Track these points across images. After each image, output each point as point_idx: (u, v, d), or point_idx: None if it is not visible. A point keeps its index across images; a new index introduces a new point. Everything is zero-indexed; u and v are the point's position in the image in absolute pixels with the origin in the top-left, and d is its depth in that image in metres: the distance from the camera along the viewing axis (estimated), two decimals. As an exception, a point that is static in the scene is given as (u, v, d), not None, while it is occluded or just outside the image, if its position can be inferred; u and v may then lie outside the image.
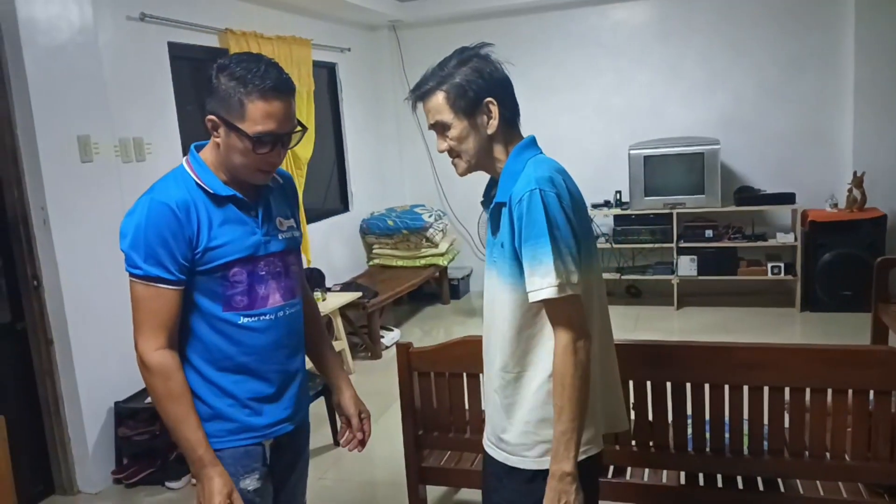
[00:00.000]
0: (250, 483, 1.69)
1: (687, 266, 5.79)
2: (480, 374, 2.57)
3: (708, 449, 2.40)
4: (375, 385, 4.75)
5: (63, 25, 3.28)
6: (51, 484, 3.42)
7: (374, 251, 6.44)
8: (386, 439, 3.86)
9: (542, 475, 1.56)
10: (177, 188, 1.63)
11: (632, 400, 2.46)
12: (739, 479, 2.45)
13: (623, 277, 6.08)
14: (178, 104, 4.20)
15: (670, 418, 2.44)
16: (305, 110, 5.25)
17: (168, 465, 3.48)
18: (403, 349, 2.63)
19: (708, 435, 2.40)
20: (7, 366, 3.28)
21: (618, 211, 5.99)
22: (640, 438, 2.48)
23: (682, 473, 2.52)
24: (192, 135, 4.43)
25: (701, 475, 2.48)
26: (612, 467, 2.57)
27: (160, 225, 1.57)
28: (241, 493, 1.66)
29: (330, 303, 4.81)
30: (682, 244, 5.81)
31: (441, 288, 6.55)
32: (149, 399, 3.53)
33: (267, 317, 1.71)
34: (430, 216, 6.23)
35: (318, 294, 4.76)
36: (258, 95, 1.56)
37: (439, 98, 1.60)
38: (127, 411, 3.53)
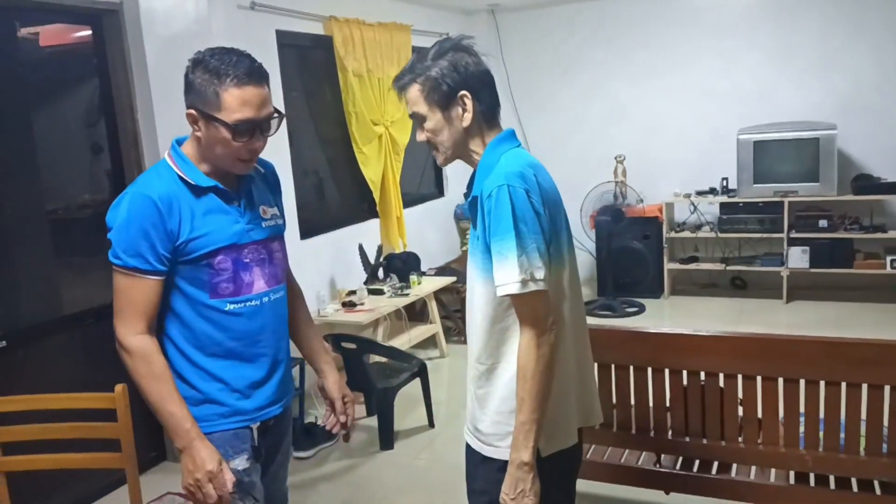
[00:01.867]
0: (240, 463, 1.76)
1: (798, 257, 5.51)
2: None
3: (821, 448, 2.29)
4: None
5: (180, 15, 3.43)
6: (163, 450, 3.61)
7: (468, 236, 6.44)
8: (480, 423, 3.89)
9: (493, 462, 1.61)
10: (159, 181, 1.68)
11: (740, 395, 2.37)
12: (854, 481, 2.32)
13: (728, 268, 5.86)
14: (284, 90, 4.32)
15: (781, 415, 2.34)
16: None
17: (295, 435, 3.58)
18: (502, 334, 2.62)
19: (822, 434, 2.29)
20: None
21: (724, 198, 5.76)
22: (749, 435, 2.39)
23: (792, 473, 2.42)
24: (297, 120, 4.57)
25: (812, 475, 2.37)
26: (716, 463, 2.50)
27: (141, 217, 1.63)
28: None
29: (424, 287, 4.86)
30: (794, 234, 5.53)
31: (535, 274, 6.49)
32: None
33: (252, 303, 1.77)
34: (525, 202, 6.18)
35: (413, 278, 4.82)
36: (232, 84, 1.60)
37: (415, 90, 1.61)
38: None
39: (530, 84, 6.62)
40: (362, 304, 4.46)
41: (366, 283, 4.79)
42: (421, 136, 1.67)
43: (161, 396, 1.65)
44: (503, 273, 1.51)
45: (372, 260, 4.85)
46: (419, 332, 4.81)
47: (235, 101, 1.61)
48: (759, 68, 5.85)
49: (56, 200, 3.36)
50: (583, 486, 2.96)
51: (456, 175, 6.39)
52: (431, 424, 3.86)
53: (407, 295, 4.68)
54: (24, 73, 3.17)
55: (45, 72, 3.31)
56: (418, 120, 1.64)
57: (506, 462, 1.57)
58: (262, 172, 1.91)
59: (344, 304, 4.44)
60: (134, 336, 1.65)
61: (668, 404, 2.50)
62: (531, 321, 1.52)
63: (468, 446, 1.74)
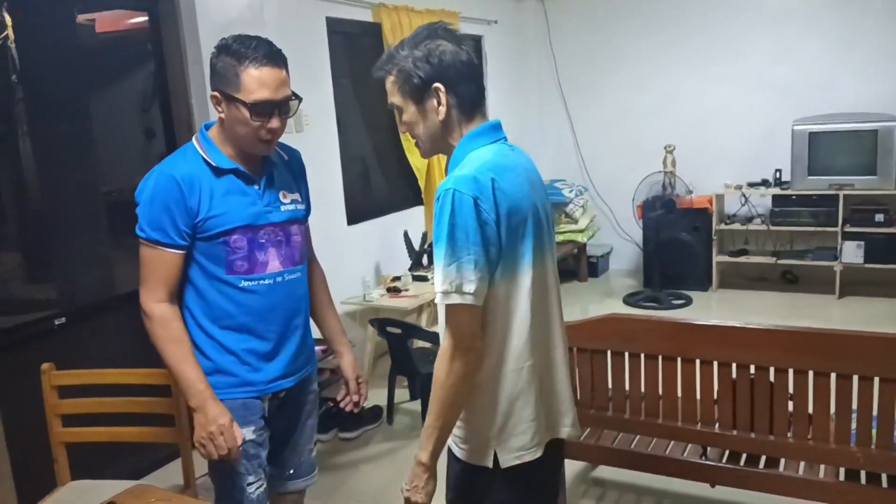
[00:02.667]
0: (247, 433, 1.84)
1: (852, 252, 5.36)
2: (626, 353, 2.54)
3: (873, 445, 2.24)
4: (512, 358, 4.78)
5: (234, 1, 3.48)
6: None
7: (514, 225, 6.42)
8: (522, 411, 3.89)
9: (469, 468, 1.60)
10: (184, 162, 1.80)
11: (790, 390, 2.33)
12: (909, 481, 2.27)
13: (779, 262, 5.73)
14: (334, 77, 4.36)
15: (832, 411, 2.29)
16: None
17: (341, 416, 3.68)
18: (547, 322, 2.62)
19: (874, 431, 2.24)
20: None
21: (776, 191, 5.62)
22: (798, 430, 2.35)
23: (842, 470, 2.37)
24: (346, 108, 4.60)
25: (863, 473, 2.32)
26: (763, 457, 2.46)
27: (164, 194, 1.75)
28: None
29: (470, 274, 4.86)
30: (848, 228, 5.37)
31: (579, 265, 6.45)
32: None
33: (266, 281, 1.87)
34: (570, 191, 6.14)
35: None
36: (251, 66, 1.71)
37: (390, 81, 1.57)
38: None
39: (578, 72, 6.55)
40: (407, 289, 4.49)
41: (410, 269, 4.82)
42: (402, 128, 1.65)
43: (177, 358, 1.77)
44: (435, 281, 1.47)
45: (416, 247, 4.88)
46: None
47: (254, 82, 1.71)
48: (818, 57, 5.68)
49: (111, 183, 3.45)
50: (627, 475, 2.98)
51: (502, 163, 6.37)
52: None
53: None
54: (81, 59, 3.26)
55: (101, 58, 3.40)
56: (397, 111, 1.60)
57: (467, 464, 1.60)
58: (286, 159, 1.99)
59: (389, 290, 4.48)
60: (155, 303, 1.78)
61: (715, 397, 2.47)
62: (451, 333, 1.47)
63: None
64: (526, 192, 1.54)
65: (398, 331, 3.81)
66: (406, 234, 4.82)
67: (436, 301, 1.50)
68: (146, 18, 3.44)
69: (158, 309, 1.78)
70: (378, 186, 5.23)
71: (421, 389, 3.70)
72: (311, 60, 4.18)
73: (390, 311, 4.23)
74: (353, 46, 4.77)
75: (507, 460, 1.56)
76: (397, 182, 5.28)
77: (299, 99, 1.83)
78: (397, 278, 4.65)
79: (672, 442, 2.62)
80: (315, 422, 2.14)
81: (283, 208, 1.91)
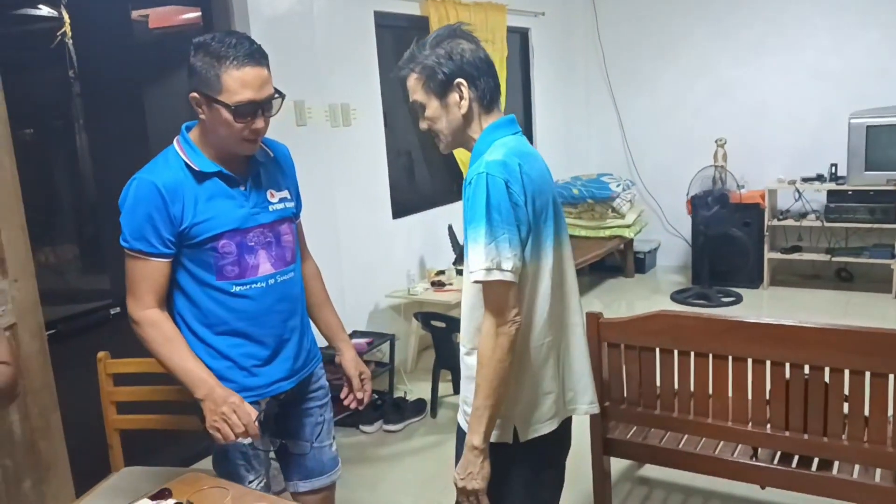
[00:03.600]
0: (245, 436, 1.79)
1: (911, 250, 5.18)
2: (675, 351, 2.50)
3: (935, 452, 2.17)
4: (557, 353, 4.75)
5: (284, -4, 3.53)
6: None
7: (558, 220, 6.37)
8: (567, 408, 3.86)
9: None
10: (166, 168, 1.74)
11: (846, 391, 2.26)
12: (972, 489, 2.18)
13: (833, 259, 5.57)
14: (381, 72, 4.38)
15: (890, 413, 2.22)
16: (497, 76, 5.26)
17: (363, 410, 3.70)
18: (593, 318, 2.59)
19: (936, 436, 2.16)
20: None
21: (832, 186, 5.46)
22: (854, 432, 2.28)
23: (901, 476, 2.29)
24: (393, 102, 4.62)
25: (923, 480, 2.25)
26: (816, 460, 2.39)
27: (146, 203, 1.70)
28: (236, 445, 1.82)
29: (514, 269, 4.84)
30: (907, 225, 5.20)
31: (625, 261, 6.37)
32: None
33: (258, 285, 1.82)
34: (617, 185, 6.06)
35: (503, 260, 4.81)
36: (232, 66, 1.64)
37: (413, 79, 1.65)
38: (328, 357, 3.78)
39: (627, 63, 6.45)
40: (450, 283, 4.50)
41: (454, 263, 4.82)
42: (423, 125, 1.69)
43: (176, 355, 1.73)
44: (472, 260, 1.52)
45: (461, 241, 4.87)
46: (507, 314, 4.80)
47: (235, 83, 1.65)
48: (877, 47, 5.49)
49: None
50: (674, 475, 2.93)
51: (546, 158, 6.30)
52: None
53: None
54: (135, 54, 3.33)
55: (154, 53, 3.47)
56: (418, 108, 1.67)
57: None
58: (272, 156, 1.93)
59: (433, 284, 4.49)
60: (143, 310, 1.74)
61: (767, 397, 2.41)
62: (493, 309, 1.53)
63: (459, 423, 1.79)
64: (546, 178, 1.66)
65: (442, 325, 3.82)
66: (450, 228, 4.82)
67: (473, 280, 1.53)
68: (198, 14, 3.51)
69: (148, 314, 1.75)
70: (423, 180, 5.24)
71: (465, 383, 3.70)
72: (359, 55, 4.20)
73: (434, 305, 4.24)
74: (401, 40, 4.78)
75: (527, 434, 1.64)
76: (442, 176, 5.29)
77: (282, 96, 1.78)
78: (441, 272, 4.66)
79: (721, 442, 2.57)
80: (330, 416, 2.11)
81: (271, 208, 1.86)
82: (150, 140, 3.37)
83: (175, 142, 1.82)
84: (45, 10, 3.06)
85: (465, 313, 1.67)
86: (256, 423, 1.71)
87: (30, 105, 2.80)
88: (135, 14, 3.43)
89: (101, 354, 2.41)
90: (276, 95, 1.76)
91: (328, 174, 3.87)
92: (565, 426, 1.76)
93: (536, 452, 1.66)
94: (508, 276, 1.51)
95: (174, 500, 1.55)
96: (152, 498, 1.56)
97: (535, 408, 1.64)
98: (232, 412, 1.67)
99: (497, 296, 1.52)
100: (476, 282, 1.54)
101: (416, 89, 1.65)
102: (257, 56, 1.70)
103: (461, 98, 1.61)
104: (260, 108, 1.71)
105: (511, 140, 1.63)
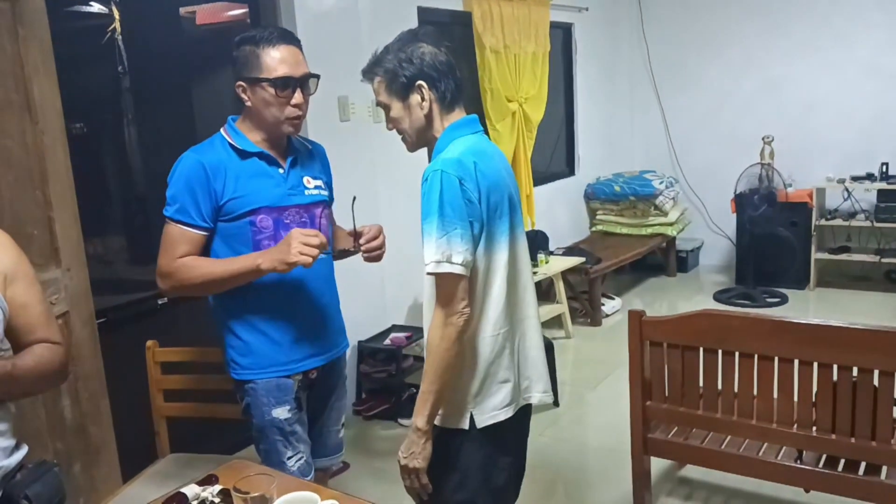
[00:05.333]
0: (281, 412, 1.94)
1: (966, 252, 5.01)
2: (720, 350, 2.46)
3: None
4: (595, 352, 4.73)
5: (329, -8, 3.56)
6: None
7: (598, 217, 6.33)
8: (606, 406, 3.84)
9: (445, 432, 1.72)
10: (211, 148, 1.91)
11: (897, 394, 2.21)
12: None
13: (883, 261, 5.42)
14: (423, 66, 4.38)
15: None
16: (540, 72, 5.24)
17: (401, 404, 3.74)
18: (636, 317, 2.57)
19: None
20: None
21: (882, 185, 5.31)
22: (905, 438, 2.22)
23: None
24: (433, 96, 4.62)
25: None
26: (863, 464, 2.34)
27: (190, 177, 1.85)
28: (273, 421, 1.93)
29: (552, 266, 4.82)
30: (962, 226, 5.03)
31: (667, 259, 6.28)
32: (388, 340, 3.84)
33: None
34: (660, 183, 5.98)
35: (541, 256, 4.80)
36: (268, 46, 1.84)
37: (377, 82, 1.72)
38: (369, 350, 3.84)
39: (672, 59, 6.36)
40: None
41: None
42: (388, 125, 1.78)
43: (219, 267, 1.85)
44: (426, 253, 1.61)
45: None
46: (545, 312, 4.78)
47: (273, 60, 1.84)
48: (933, 43, 5.33)
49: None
50: (715, 476, 2.89)
51: (588, 155, 6.28)
52: (556, 403, 3.85)
53: (534, 273, 4.65)
54: (183, 50, 3.40)
55: (201, 49, 3.53)
56: (384, 109, 1.75)
57: (442, 428, 1.72)
58: (309, 149, 2.07)
59: (472, 280, 4.49)
60: (174, 261, 1.86)
61: (814, 399, 2.36)
62: (442, 301, 1.61)
63: None
64: (502, 176, 1.72)
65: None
66: (491, 224, 4.80)
67: (426, 272, 1.62)
68: (245, 10, 3.55)
69: (179, 261, 1.85)
70: (463, 176, 5.23)
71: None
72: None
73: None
74: (443, 36, 4.74)
75: (483, 420, 1.71)
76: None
77: (317, 77, 1.93)
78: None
79: (766, 444, 2.52)
80: (343, 403, 2.20)
81: (307, 192, 1.98)
82: (198, 134, 3.43)
83: (222, 129, 1.97)
84: (96, 7, 3.13)
85: (425, 305, 1.75)
86: (325, 244, 1.79)
87: (81, 99, 2.87)
88: (182, 11, 3.49)
89: (149, 343, 2.46)
90: (313, 76, 1.92)
91: (370, 169, 3.90)
92: (524, 413, 1.84)
93: (493, 438, 1.73)
94: (458, 269, 1.58)
95: (220, 486, 1.58)
96: (200, 483, 1.59)
97: (491, 395, 1.71)
98: (297, 240, 1.74)
99: (447, 288, 1.61)
100: (429, 274, 1.62)
101: (380, 91, 1.73)
102: (290, 37, 1.89)
103: (422, 99, 1.69)
104: (297, 83, 1.87)
105: (470, 139, 1.71)
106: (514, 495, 1.90)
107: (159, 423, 2.48)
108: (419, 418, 1.66)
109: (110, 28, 3.12)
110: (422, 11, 4.33)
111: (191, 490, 1.56)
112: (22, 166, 2.09)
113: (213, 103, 3.54)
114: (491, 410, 1.71)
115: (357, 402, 3.87)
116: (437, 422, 1.72)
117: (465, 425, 1.71)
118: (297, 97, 1.87)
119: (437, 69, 1.69)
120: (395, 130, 1.78)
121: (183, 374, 2.47)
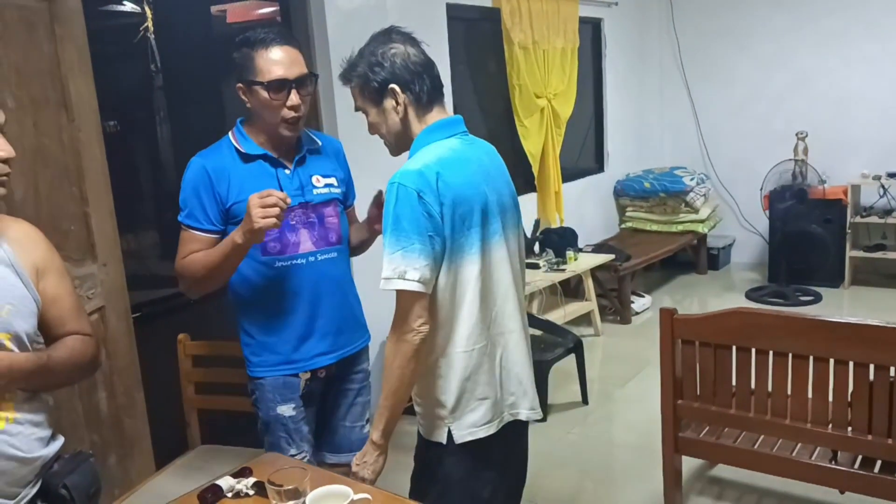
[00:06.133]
0: (286, 410, 1.98)
1: None
2: (753, 349, 2.43)
3: None
4: (624, 350, 4.69)
5: (358, -11, 3.56)
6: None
7: (627, 214, 6.27)
8: (636, 404, 3.81)
9: (426, 443, 1.72)
10: (217, 152, 1.94)
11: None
12: None
13: (920, 258, 5.31)
14: (452, 64, 4.38)
15: None
16: (569, 68, 5.21)
17: None
18: (668, 315, 2.54)
19: None
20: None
21: (920, 181, 5.20)
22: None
23: None
24: (461, 93, 4.62)
25: None
26: (903, 467, 2.30)
27: (195, 182, 1.90)
28: (278, 417, 1.98)
29: (581, 263, 4.79)
30: None
31: (698, 257, 6.21)
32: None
33: (299, 261, 1.95)
34: (691, 179, 5.91)
35: (570, 253, 4.77)
36: (262, 48, 1.84)
37: (353, 88, 1.70)
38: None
39: (703, 53, 6.27)
40: (519, 277, 4.47)
41: (523, 256, 4.80)
42: (370, 130, 1.75)
43: (211, 256, 1.87)
44: (383, 267, 1.56)
45: (528, 234, 4.85)
46: (574, 309, 4.76)
47: (267, 63, 1.84)
48: (974, 35, 5.19)
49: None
50: (747, 476, 2.86)
51: (617, 151, 6.22)
52: (585, 401, 3.83)
53: (563, 270, 4.64)
54: (214, 48, 3.43)
55: (232, 47, 3.56)
56: (364, 114, 1.72)
57: (424, 439, 1.73)
58: (319, 145, 2.06)
59: (500, 276, 4.47)
60: (181, 261, 1.93)
61: (849, 399, 2.32)
62: (397, 317, 1.58)
63: None
64: (475, 183, 1.64)
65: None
66: (519, 221, 4.79)
67: (381, 287, 1.57)
68: (275, 9, 3.58)
69: (183, 261, 1.92)
70: (492, 172, 5.22)
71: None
72: (430, 47, 4.16)
73: (502, 298, 4.23)
74: (471, 32, 4.78)
75: (462, 436, 1.67)
76: (510, 168, 5.15)
77: (315, 76, 1.94)
78: (509, 265, 4.63)
79: (799, 444, 2.49)
80: (368, 399, 2.20)
81: (315, 191, 1.99)
82: (228, 131, 3.47)
83: (230, 131, 2.00)
84: (129, 6, 3.18)
85: None
86: (285, 200, 1.76)
87: (114, 97, 2.92)
88: (213, 9, 3.53)
89: (181, 336, 2.50)
90: (311, 75, 1.92)
91: (399, 166, 3.90)
92: (513, 429, 1.76)
93: (472, 454, 1.69)
94: (413, 286, 1.53)
95: (254, 479, 1.59)
96: (234, 476, 1.61)
97: (470, 411, 1.67)
98: (257, 204, 1.72)
99: (402, 304, 1.56)
100: (383, 289, 1.58)
101: (356, 97, 1.71)
102: (285, 37, 1.88)
103: (396, 103, 1.64)
104: (292, 84, 1.86)
105: (443, 145, 1.64)
106: None
107: (190, 415, 2.52)
108: (375, 432, 1.66)
109: (143, 27, 3.17)
110: (450, 8, 4.32)
111: (225, 482, 1.58)
112: (59, 163, 2.13)
113: (243, 101, 3.57)
114: (469, 427, 1.67)
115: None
116: (421, 431, 1.74)
117: (443, 440, 1.68)
118: (293, 99, 1.87)
119: (409, 70, 1.64)
120: (374, 134, 1.75)
121: (213, 368, 2.50)
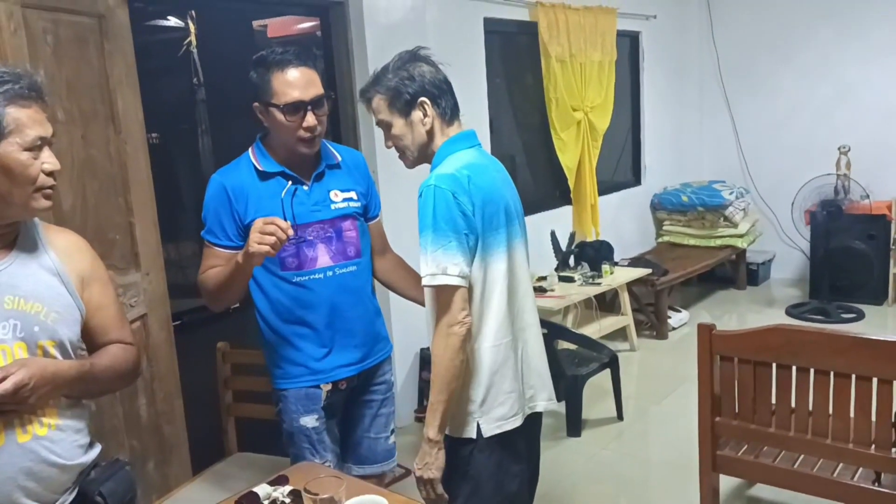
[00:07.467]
0: (309, 421, 2.00)
1: None
2: (794, 367, 2.38)
3: None
4: (661, 366, 4.63)
5: (398, 4, 3.61)
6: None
7: (665, 228, 6.20)
8: (672, 421, 3.76)
9: (454, 441, 1.75)
10: (236, 170, 1.98)
11: None
12: None
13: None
14: (488, 77, 4.40)
15: None
16: (606, 81, 5.19)
17: None
18: (706, 330, 2.51)
19: None
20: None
21: (969, 197, 5.06)
22: None
23: None
24: (498, 106, 4.64)
25: None
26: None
27: (215, 200, 1.95)
28: (301, 429, 2.00)
29: (617, 277, 4.76)
30: None
31: (737, 272, 6.11)
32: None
33: (317, 276, 1.97)
34: (730, 193, 5.82)
35: (605, 267, 4.74)
36: (278, 70, 1.85)
37: (378, 100, 1.75)
38: (430, 357, 3.84)
39: (743, 65, 6.20)
40: (552, 290, 4.46)
41: (557, 269, 4.78)
42: (388, 143, 1.81)
43: (221, 273, 1.90)
44: (423, 266, 1.65)
45: (563, 247, 4.83)
46: (609, 323, 4.72)
47: (282, 85, 1.86)
48: None
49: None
50: (786, 496, 2.80)
51: (655, 164, 6.17)
52: (620, 417, 3.79)
53: (598, 284, 4.61)
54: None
55: (249, 66, 3.62)
56: (385, 127, 1.78)
57: (451, 437, 1.75)
58: (339, 160, 2.07)
59: (535, 290, 4.46)
60: (200, 275, 1.99)
61: (893, 419, 2.26)
62: (441, 311, 1.65)
63: None
64: (498, 188, 1.76)
65: (544, 331, 3.76)
66: (553, 234, 4.78)
67: (423, 285, 1.67)
68: (314, 24, 3.64)
69: (202, 276, 1.98)
70: (526, 185, 5.22)
71: (566, 391, 3.66)
72: (468, 60, 4.24)
73: (537, 311, 4.21)
74: (508, 45, 4.80)
75: (490, 430, 1.73)
76: (546, 181, 5.25)
77: (330, 97, 1.96)
78: (543, 278, 4.63)
79: (840, 464, 2.43)
80: (392, 410, 2.22)
81: (333, 206, 2.00)
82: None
83: (250, 148, 2.02)
84: (172, 21, 3.26)
85: (428, 320, 1.77)
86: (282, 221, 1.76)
87: (157, 110, 2.98)
88: (255, 24, 3.60)
89: (220, 344, 2.54)
90: (327, 95, 1.94)
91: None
92: (532, 421, 1.86)
93: (502, 447, 1.76)
94: (455, 280, 1.62)
95: (291, 487, 1.61)
96: (271, 483, 1.63)
97: (498, 405, 1.74)
98: (258, 230, 1.74)
99: (445, 298, 1.64)
100: (426, 286, 1.66)
101: (381, 109, 1.75)
102: (301, 58, 1.90)
103: (425, 115, 1.72)
104: (308, 106, 1.87)
105: (466, 153, 1.74)
106: (529, 501, 1.93)
107: (227, 423, 2.55)
108: (430, 429, 1.69)
109: (186, 41, 3.25)
110: (488, 22, 4.35)
111: (262, 490, 1.60)
112: (106, 175, 2.20)
113: (259, 120, 3.63)
114: (497, 420, 1.74)
115: (419, 408, 3.89)
116: (447, 431, 1.76)
117: (473, 434, 1.74)
118: (310, 120, 1.88)
119: (437, 87, 1.74)
120: (393, 148, 1.81)
121: (250, 376, 2.53)
